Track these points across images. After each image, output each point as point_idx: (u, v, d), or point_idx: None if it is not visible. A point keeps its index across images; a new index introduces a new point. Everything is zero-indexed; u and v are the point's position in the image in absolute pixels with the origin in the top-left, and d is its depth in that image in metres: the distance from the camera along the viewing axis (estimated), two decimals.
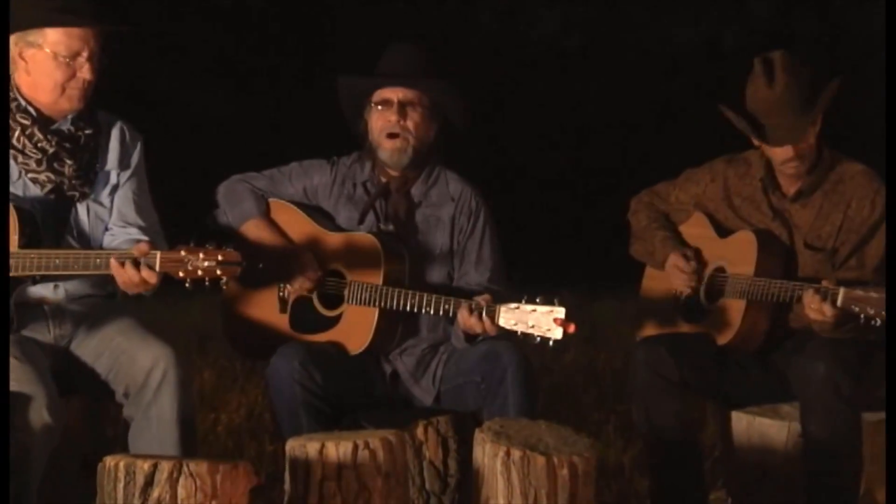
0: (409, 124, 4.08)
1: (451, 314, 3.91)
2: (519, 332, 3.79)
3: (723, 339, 4.12)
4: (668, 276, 4.29)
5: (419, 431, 3.77)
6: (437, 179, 4.18)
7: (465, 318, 3.86)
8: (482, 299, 3.87)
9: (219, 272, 3.56)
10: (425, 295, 3.93)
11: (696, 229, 4.32)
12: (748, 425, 4.04)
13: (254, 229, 4.14)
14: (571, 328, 3.76)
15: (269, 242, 4.11)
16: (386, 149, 4.10)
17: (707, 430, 4.83)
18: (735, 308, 4.10)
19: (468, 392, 4.00)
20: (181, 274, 3.56)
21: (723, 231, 4.25)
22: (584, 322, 7.20)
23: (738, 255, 4.15)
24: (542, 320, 3.76)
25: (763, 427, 4.01)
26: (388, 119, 4.08)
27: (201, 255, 3.55)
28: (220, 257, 3.55)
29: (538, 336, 3.77)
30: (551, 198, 11.42)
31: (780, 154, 4.04)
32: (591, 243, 10.35)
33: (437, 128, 4.14)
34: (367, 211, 4.14)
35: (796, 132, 3.98)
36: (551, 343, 3.76)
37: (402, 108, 4.07)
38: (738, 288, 4.09)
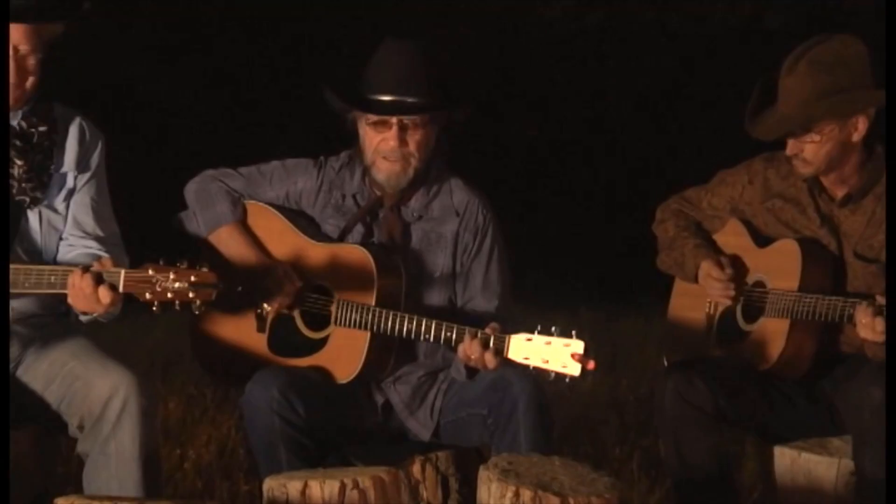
0: (412, 146, 4.02)
1: (452, 343, 3.91)
2: (531, 367, 3.80)
3: (764, 365, 4.13)
4: (701, 291, 4.30)
5: (415, 469, 3.76)
6: (439, 189, 4.14)
7: (468, 348, 3.85)
8: (490, 329, 3.86)
9: (191, 295, 3.55)
10: (424, 319, 3.92)
11: (731, 238, 4.34)
12: (792, 462, 4.04)
13: (226, 237, 4.14)
14: (591, 365, 3.77)
15: (242, 253, 4.11)
16: (382, 170, 4.05)
17: (746, 468, 4.84)
18: (777, 328, 4.11)
19: (472, 427, 4.00)
20: (148, 296, 3.56)
21: (762, 239, 4.26)
22: (605, 344, 7.22)
23: (779, 267, 4.16)
24: (557, 355, 3.77)
25: (810, 464, 4.01)
26: (387, 141, 4.01)
27: (171, 275, 3.54)
28: (193, 278, 3.54)
29: (553, 372, 3.77)
30: (566, 203, 11.42)
31: (788, 147, 4.09)
32: (613, 254, 10.36)
33: (439, 131, 4.09)
34: (352, 227, 4.12)
35: (781, 125, 4.04)
36: (567, 381, 3.78)
37: (403, 128, 4.01)
38: (780, 305, 4.11)
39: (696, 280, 4.31)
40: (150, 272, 3.55)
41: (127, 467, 3.65)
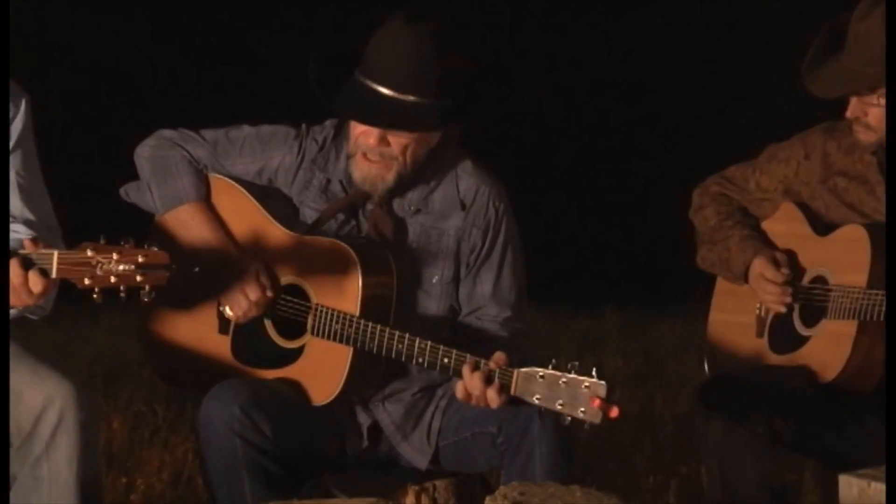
0: (395, 147, 4.01)
1: (450, 371, 3.89)
2: (542, 409, 3.79)
3: (827, 375, 4.14)
4: (750, 288, 4.30)
5: (409, 500, 3.78)
6: (444, 177, 4.13)
7: (468, 384, 3.83)
8: (494, 361, 3.84)
9: (139, 279, 3.54)
10: (417, 340, 3.90)
11: (784, 225, 4.35)
12: (861, 493, 4.02)
13: (187, 218, 4.11)
14: (614, 412, 3.75)
15: (206, 238, 4.08)
16: (359, 169, 4.05)
17: (805, 501, 4.82)
18: (842, 332, 4.12)
19: (478, 448, 4.00)
20: (87, 281, 3.54)
21: (822, 226, 4.27)
22: (636, 353, 7.23)
23: (843, 258, 4.18)
24: (575, 397, 3.75)
25: (881, 496, 3.99)
26: (366, 136, 4.01)
27: (115, 256, 3.53)
28: (140, 259, 3.53)
29: (569, 417, 3.77)
30: (588, 185, 11.46)
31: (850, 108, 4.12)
32: (646, 248, 10.38)
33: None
34: (326, 220, 4.10)
35: (846, 81, 4.05)
36: (587, 427, 3.76)
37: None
38: (845, 304, 4.11)
39: (745, 280, 4.32)
40: (90, 253, 3.54)
41: (62, 493, 3.65)
